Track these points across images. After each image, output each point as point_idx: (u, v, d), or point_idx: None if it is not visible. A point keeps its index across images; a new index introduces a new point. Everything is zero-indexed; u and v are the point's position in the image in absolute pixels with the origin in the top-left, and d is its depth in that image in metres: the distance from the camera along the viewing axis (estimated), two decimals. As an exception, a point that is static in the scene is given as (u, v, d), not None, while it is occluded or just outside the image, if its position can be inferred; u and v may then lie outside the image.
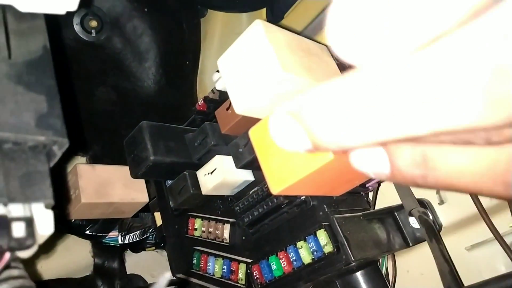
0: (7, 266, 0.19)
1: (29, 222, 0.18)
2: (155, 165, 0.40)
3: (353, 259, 0.32)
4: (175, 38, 0.63)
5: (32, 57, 0.20)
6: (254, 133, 0.30)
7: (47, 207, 0.19)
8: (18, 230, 0.18)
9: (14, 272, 0.19)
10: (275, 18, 0.60)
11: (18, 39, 0.21)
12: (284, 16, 0.59)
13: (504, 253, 0.34)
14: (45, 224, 0.19)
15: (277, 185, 0.28)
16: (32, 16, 0.22)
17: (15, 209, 0.18)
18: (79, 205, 0.46)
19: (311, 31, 0.55)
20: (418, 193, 0.39)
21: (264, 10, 0.61)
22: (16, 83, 0.19)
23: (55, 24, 0.56)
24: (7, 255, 0.18)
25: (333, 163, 0.26)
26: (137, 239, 0.54)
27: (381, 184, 0.39)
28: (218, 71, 0.42)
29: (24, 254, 0.19)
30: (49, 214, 0.19)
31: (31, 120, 0.19)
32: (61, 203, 0.48)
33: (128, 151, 0.42)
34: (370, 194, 0.40)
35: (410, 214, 0.38)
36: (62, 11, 0.23)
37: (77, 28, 0.55)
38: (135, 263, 0.59)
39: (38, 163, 0.19)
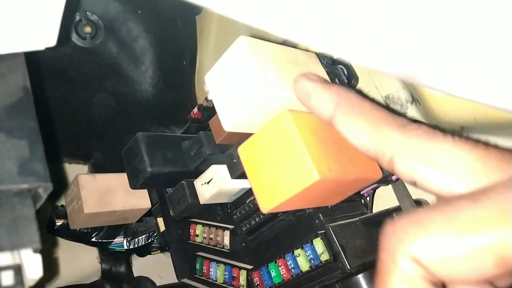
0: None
1: (18, 270, 0.19)
2: (152, 176, 0.41)
3: (349, 268, 0.33)
4: (171, 38, 0.63)
5: (12, 101, 0.21)
6: (243, 151, 0.30)
7: (35, 251, 0.20)
8: (7, 278, 0.18)
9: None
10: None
11: (-3, 82, 0.21)
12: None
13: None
14: (33, 269, 0.19)
15: (267, 203, 0.28)
16: (11, 55, 0.22)
17: (3, 258, 0.19)
18: (82, 216, 0.46)
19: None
20: (415, 193, 0.39)
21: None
22: (-2, 131, 0.20)
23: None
24: (-4, 305, 0.18)
25: (320, 182, 0.26)
26: (143, 243, 0.54)
27: (377, 190, 0.39)
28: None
29: (14, 300, 0.19)
30: (37, 258, 0.20)
31: (14, 168, 0.19)
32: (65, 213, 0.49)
33: (126, 162, 0.43)
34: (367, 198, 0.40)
35: (408, 216, 0.38)
36: (41, 47, 0.23)
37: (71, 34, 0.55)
38: (142, 265, 0.60)
39: (24, 207, 0.19)
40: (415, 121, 0.23)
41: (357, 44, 0.13)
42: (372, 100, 0.25)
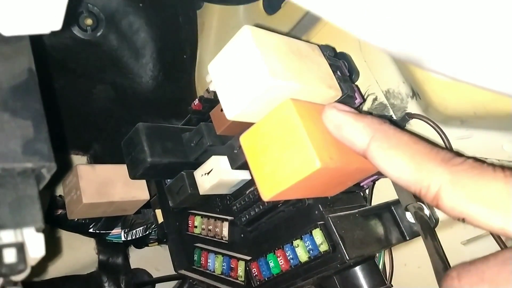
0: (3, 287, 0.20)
1: (20, 248, 0.19)
2: (152, 166, 0.41)
3: (347, 258, 0.33)
4: (172, 32, 0.63)
5: (17, 82, 0.21)
6: (245, 140, 0.31)
7: (37, 230, 0.20)
8: (10, 256, 0.19)
9: (11, 291, 0.20)
10: (271, 8, 0.59)
11: (2, 64, 0.21)
12: (281, 6, 0.59)
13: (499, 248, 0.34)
14: (36, 248, 0.19)
15: (268, 191, 0.28)
16: (17, 38, 0.22)
17: (6, 236, 0.19)
18: (81, 206, 0.47)
19: (307, 22, 0.54)
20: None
21: (260, 1, 0.60)
22: (3, 111, 0.20)
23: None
24: (-1, 281, 0.19)
25: (321, 171, 0.26)
26: (140, 235, 0.55)
27: (376, 181, 0.39)
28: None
29: (17, 278, 0.19)
30: (40, 237, 0.20)
31: (18, 147, 0.19)
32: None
33: (126, 152, 0.43)
34: (366, 191, 0.40)
35: (406, 210, 0.38)
36: (46, 31, 0.23)
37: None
38: (140, 257, 0.60)
39: (27, 187, 0.19)
40: (457, 154, 0.22)
41: (367, 22, 0.13)
42: (409, 132, 0.24)
